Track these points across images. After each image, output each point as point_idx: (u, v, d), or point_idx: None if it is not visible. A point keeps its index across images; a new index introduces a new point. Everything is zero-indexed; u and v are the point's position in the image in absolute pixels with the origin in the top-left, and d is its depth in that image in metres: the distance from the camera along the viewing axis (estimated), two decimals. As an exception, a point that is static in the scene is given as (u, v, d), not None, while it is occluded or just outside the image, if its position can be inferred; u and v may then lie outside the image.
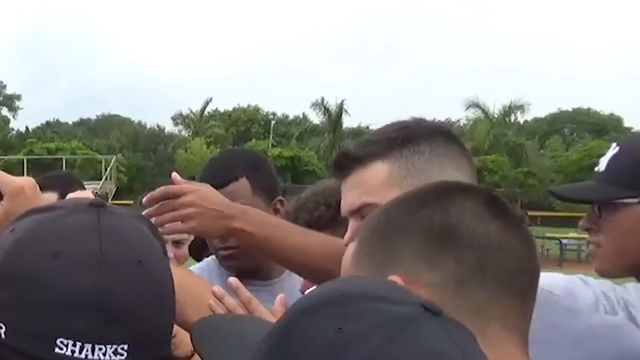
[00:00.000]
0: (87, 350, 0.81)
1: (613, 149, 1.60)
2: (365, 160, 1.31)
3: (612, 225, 1.54)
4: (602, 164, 1.59)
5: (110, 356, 0.83)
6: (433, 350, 0.64)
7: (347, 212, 1.35)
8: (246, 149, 2.37)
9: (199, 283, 1.47)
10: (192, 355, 0.94)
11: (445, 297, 0.83)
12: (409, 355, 0.63)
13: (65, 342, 0.81)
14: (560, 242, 23.74)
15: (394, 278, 0.82)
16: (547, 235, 26.97)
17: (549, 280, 1.47)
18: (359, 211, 1.32)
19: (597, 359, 1.21)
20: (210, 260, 2.11)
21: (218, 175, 1.95)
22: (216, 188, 1.89)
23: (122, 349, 0.83)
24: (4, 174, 1.19)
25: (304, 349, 0.64)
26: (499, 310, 0.88)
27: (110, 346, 0.82)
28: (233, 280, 1.37)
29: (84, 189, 3.21)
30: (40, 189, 2.80)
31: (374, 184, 1.30)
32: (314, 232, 1.65)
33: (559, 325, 1.23)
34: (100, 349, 0.82)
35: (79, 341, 0.81)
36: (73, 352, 0.81)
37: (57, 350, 0.82)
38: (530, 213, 32.61)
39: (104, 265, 0.84)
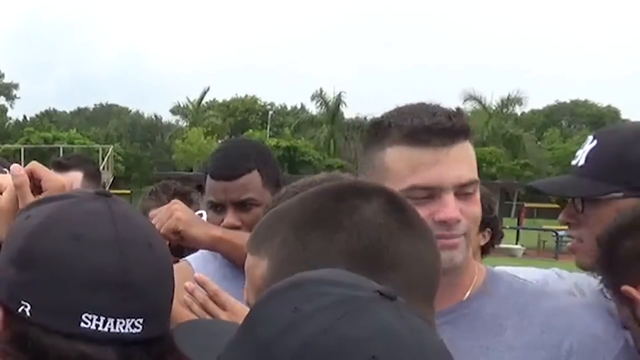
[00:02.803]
0: (109, 324, 0.89)
1: (590, 142, 1.56)
2: (469, 135, 1.29)
3: (595, 220, 1.51)
4: (581, 158, 1.56)
5: (128, 329, 0.90)
6: (382, 327, 0.68)
7: (450, 185, 1.25)
8: (254, 140, 2.35)
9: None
10: None
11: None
12: (359, 330, 0.67)
13: (90, 317, 0.89)
14: (557, 234, 23.75)
15: None
16: (544, 227, 27.02)
17: (524, 274, 1.51)
18: (466, 186, 1.27)
19: (564, 339, 1.24)
20: (204, 250, 2.14)
21: (231, 166, 1.94)
22: (229, 179, 1.92)
23: (138, 322, 0.91)
24: (49, 171, 1.21)
25: (264, 326, 0.70)
26: None
27: (129, 320, 0.91)
28: (198, 276, 1.41)
29: (99, 173, 3.33)
30: (65, 168, 2.84)
31: (474, 163, 1.29)
32: None
33: (529, 309, 1.27)
34: (120, 323, 0.90)
35: (103, 316, 0.89)
36: (97, 326, 0.89)
37: (82, 324, 0.89)
38: (527, 205, 32.69)
39: (121, 247, 0.92)
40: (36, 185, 1.18)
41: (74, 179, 2.95)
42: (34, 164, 1.20)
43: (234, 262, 1.88)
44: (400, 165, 1.26)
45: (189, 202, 2.22)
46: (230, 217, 1.91)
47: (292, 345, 0.67)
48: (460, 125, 1.26)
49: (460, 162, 1.26)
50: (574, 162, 1.59)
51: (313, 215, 0.94)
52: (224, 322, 1.29)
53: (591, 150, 1.55)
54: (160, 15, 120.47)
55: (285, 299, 0.72)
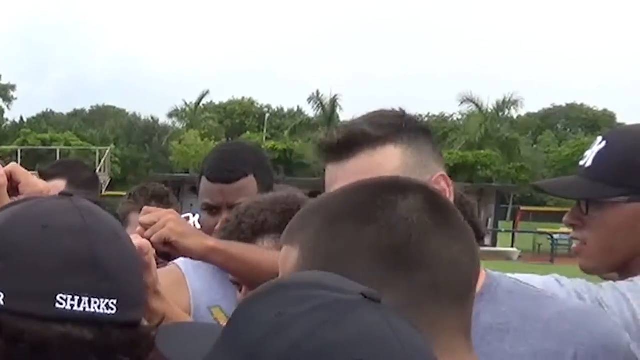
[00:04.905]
0: (84, 304, 0.91)
1: (599, 144, 1.53)
2: (378, 142, 1.24)
3: (599, 223, 1.50)
4: (588, 159, 1.53)
5: (103, 309, 0.92)
6: (367, 332, 0.67)
7: None
8: (251, 144, 2.34)
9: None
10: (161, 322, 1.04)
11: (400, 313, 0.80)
12: (343, 334, 0.66)
13: (64, 297, 0.90)
14: (552, 237, 23.77)
15: None
16: (539, 230, 27.06)
17: (523, 279, 1.50)
18: None
19: (568, 347, 1.20)
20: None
21: (228, 170, 1.94)
22: (226, 182, 1.92)
23: (113, 303, 0.93)
24: (29, 175, 1.22)
25: (247, 330, 0.70)
26: (451, 321, 0.90)
27: (103, 300, 0.92)
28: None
29: (95, 174, 3.24)
30: (48, 177, 2.78)
31: (390, 169, 1.22)
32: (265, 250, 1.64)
33: (530, 314, 1.23)
34: (95, 302, 0.92)
35: (77, 295, 0.91)
36: (72, 306, 0.91)
37: (57, 305, 0.91)
38: (522, 208, 32.70)
39: (89, 234, 0.95)
40: (14, 188, 1.19)
41: (55, 187, 2.82)
42: (14, 166, 1.21)
43: (228, 272, 1.85)
44: None
45: (167, 204, 2.20)
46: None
47: (277, 349, 0.66)
48: (368, 135, 1.27)
49: (363, 173, 1.24)
50: (581, 163, 1.56)
51: (347, 207, 0.92)
52: (208, 324, 1.29)
53: (599, 152, 1.52)
54: (157, 18, 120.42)
55: (269, 302, 0.71)
